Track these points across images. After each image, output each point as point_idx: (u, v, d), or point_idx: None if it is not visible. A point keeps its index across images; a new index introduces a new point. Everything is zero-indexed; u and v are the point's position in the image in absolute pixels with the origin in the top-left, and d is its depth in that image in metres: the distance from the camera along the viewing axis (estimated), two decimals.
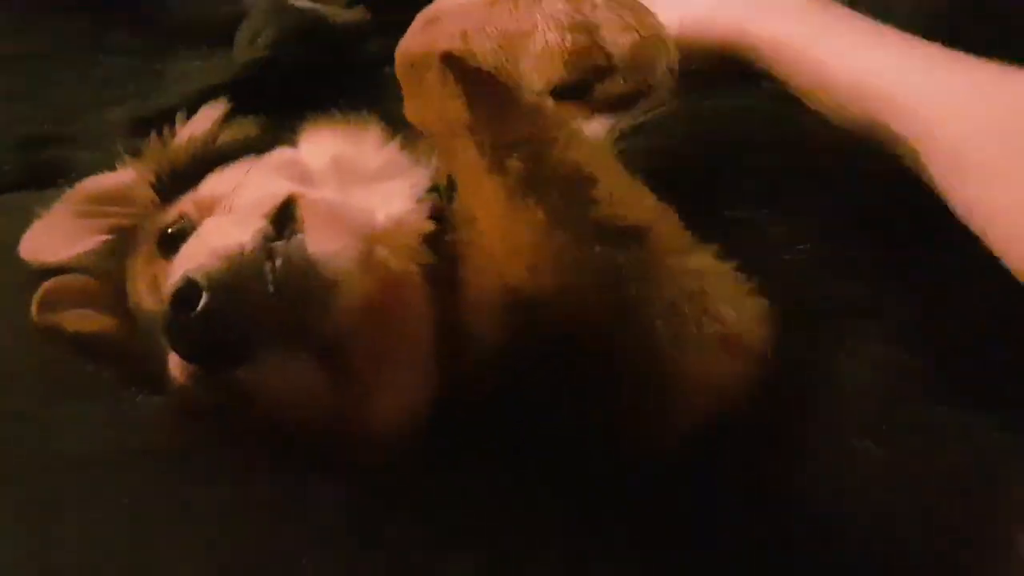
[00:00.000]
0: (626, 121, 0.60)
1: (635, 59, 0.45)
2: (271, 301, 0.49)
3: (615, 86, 0.45)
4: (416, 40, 0.53)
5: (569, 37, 0.45)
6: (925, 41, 0.59)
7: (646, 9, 0.46)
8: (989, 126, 0.53)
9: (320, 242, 0.52)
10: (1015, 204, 0.50)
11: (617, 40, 0.45)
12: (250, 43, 1.14)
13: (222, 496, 0.58)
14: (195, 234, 0.54)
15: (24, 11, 1.30)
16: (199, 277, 0.47)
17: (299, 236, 0.52)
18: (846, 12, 0.63)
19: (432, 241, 0.60)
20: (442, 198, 0.63)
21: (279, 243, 0.51)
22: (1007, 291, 0.51)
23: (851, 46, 0.60)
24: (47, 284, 0.67)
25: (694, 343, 0.52)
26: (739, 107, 0.61)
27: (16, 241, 0.72)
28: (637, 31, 0.45)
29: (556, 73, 0.46)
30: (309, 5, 1.39)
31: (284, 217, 0.54)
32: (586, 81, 0.45)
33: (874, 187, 0.57)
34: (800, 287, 0.53)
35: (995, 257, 0.51)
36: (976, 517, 0.48)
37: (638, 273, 0.51)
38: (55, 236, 0.71)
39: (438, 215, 0.62)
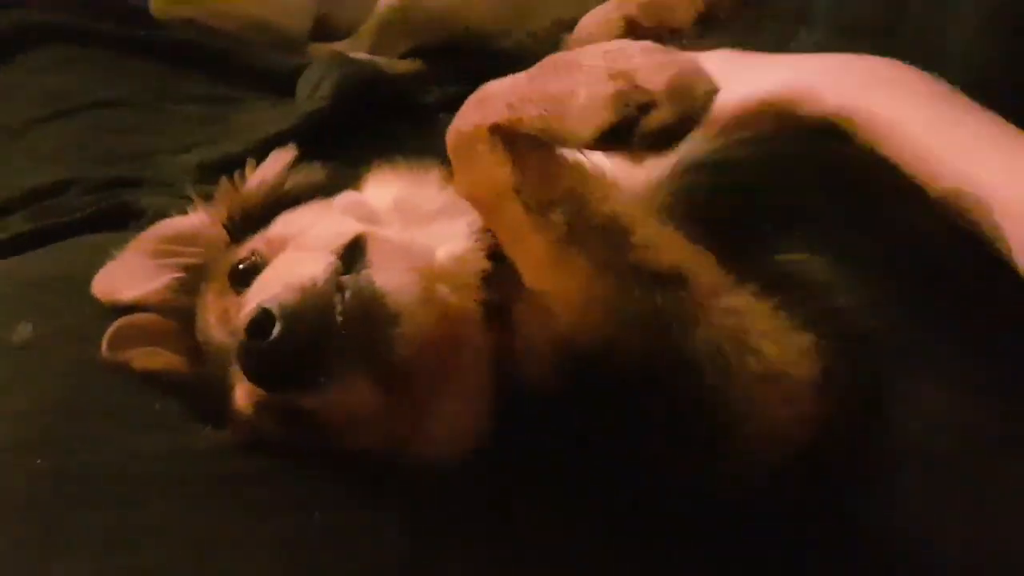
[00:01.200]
0: (666, 170, 0.62)
1: (674, 89, 0.49)
2: (340, 331, 0.51)
3: (659, 117, 0.49)
4: (467, 119, 0.58)
5: (610, 84, 0.50)
6: None
7: (677, 51, 0.50)
8: None
9: (386, 277, 0.54)
10: None
11: (654, 78, 0.49)
12: (312, 93, 1.20)
13: (284, 526, 0.60)
14: (268, 268, 0.57)
15: (101, 62, 1.38)
16: (274, 307, 0.49)
17: (367, 271, 0.54)
18: (967, 103, 0.58)
19: (489, 279, 0.63)
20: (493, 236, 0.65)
21: (348, 277, 0.53)
22: None
23: (963, 146, 0.56)
24: (118, 322, 0.70)
25: (738, 379, 0.53)
26: (781, 152, 0.62)
27: (88, 279, 0.75)
28: (672, 67, 0.49)
29: (601, 117, 0.50)
30: (367, 57, 1.45)
31: (352, 253, 0.57)
32: (630, 121, 0.49)
33: (933, 235, 0.57)
34: (845, 329, 0.54)
35: None
36: None
37: (678, 314, 0.54)
38: (127, 275, 0.75)
39: (494, 254, 0.64)
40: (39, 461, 0.61)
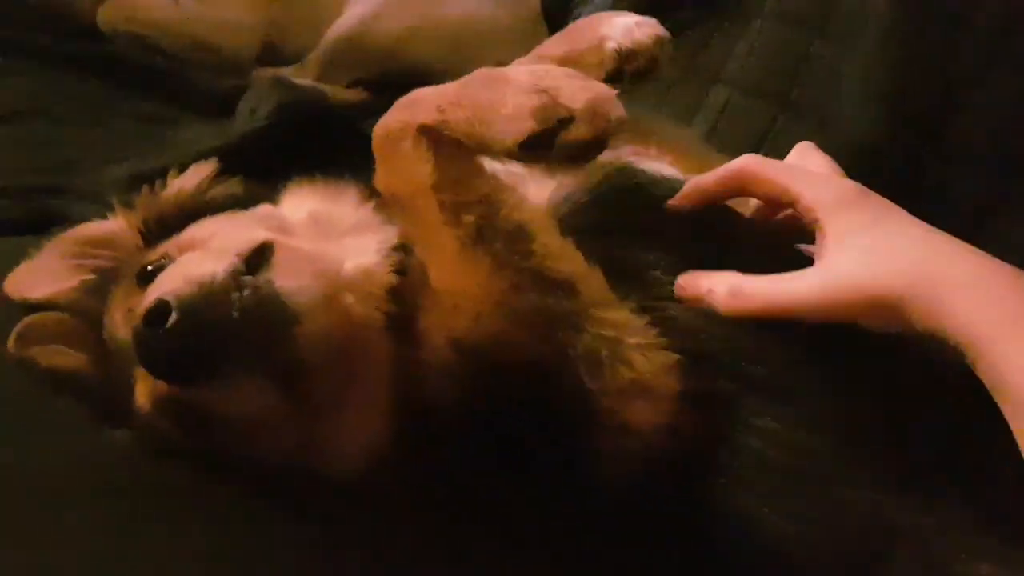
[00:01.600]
0: (566, 194, 0.66)
1: (591, 109, 0.55)
2: (236, 326, 0.53)
3: (576, 133, 0.55)
4: (395, 117, 0.62)
5: (535, 97, 0.55)
6: None
7: (593, 80, 0.57)
8: None
9: (287, 279, 0.56)
10: None
11: (575, 97, 0.55)
12: (251, 114, 1.21)
13: (186, 536, 0.61)
14: (172, 266, 0.58)
15: (37, 75, 1.39)
16: (171, 298, 0.51)
17: (268, 273, 0.56)
18: None
19: (395, 292, 0.65)
20: (407, 255, 0.67)
21: (248, 277, 0.55)
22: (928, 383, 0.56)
23: None
24: (26, 319, 0.70)
25: (610, 385, 0.57)
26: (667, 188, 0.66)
27: (2, 278, 0.76)
28: (591, 91, 0.56)
29: (524, 126, 0.55)
30: (310, 84, 1.48)
31: (258, 259, 0.58)
32: (550, 133, 0.55)
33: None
34: (706, 351, 0.58)
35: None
36: None
37: (565, 319, 0.58)
38: (40, 275, 0.75)
39: (402, 270, 0.66)
40: None
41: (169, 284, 0.53)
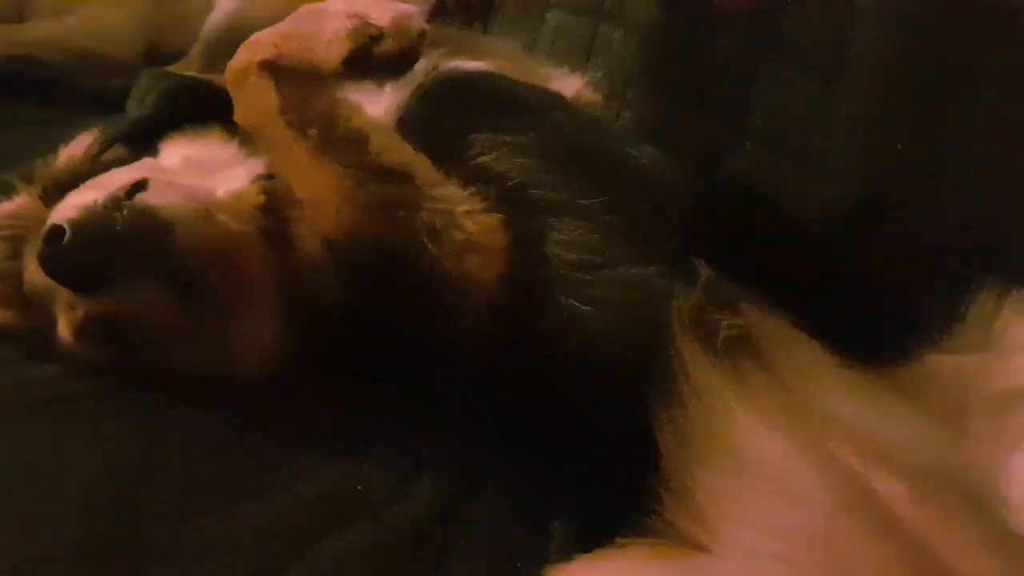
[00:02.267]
0: (396, 101, 0.79)
1: (396, 25, 0.68)
2: (120, 236, 0.64)
3: (386, 47, 0.68)
4: (240, 57, 0.74)
5: (348, 21, 0.69)
6: None
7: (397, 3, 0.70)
8: None
9: (160, 199, 0.68)
10: None
11: (381, 17, 0.68)
12: (139, 105, 1.31)
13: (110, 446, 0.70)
14: (64, 201, 0.69)
15: None
16: (63, 222, 0.62)
17: (144, 197, 0.68)
18: None
19: (266, 209, 0.77)
20: (273, 179, 0.80)
21: (127, 201, 0.67)
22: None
23: None
24: None
25: (448, 247, 0.70)
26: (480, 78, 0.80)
27: None
28: (394, 10, 0.69)
29: (343, 47, 0.68)
30: (194, 75, 1.57)
31: (135, 191, 0.70)
32: (365, 50, 0.68)
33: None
34: (520, 204, 0.72)
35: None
36: (653, 333, 0.64)
37: (405, 200, 0.71)
38: None
39: (270, 192, 0.78)
40: None
41: (62, 213, 0.65)
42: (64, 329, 0.73)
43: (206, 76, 1.56)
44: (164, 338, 0.72)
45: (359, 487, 0.66)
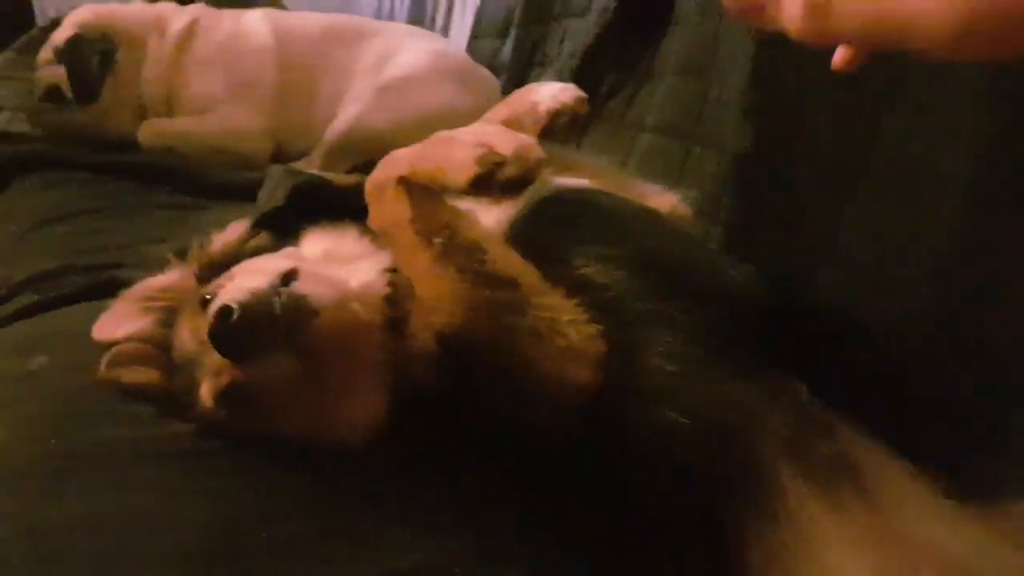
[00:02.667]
0: (509, 216, 0.90)
1: (519, 155, 0.77)
2: (277, 319, 0.74)
3: (508, 172, 0.77)
4: (380, 172, 0.87)
5: (476, 149, 0.78)
6: None
7: (521, 134, 0.80)
8: None
9: (311, 288, 0.78)
10: None
11: (505, 146, 0.78)
12: (270, 197, 1.46)
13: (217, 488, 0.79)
14: (227, 284, 0.80)
15: (79, 182, 1.65)
16: (232, 303, 0.72)
17: (296, 285, 0.78)
18: None
19: (389, 300, 0.87)
20: (397, 273, 0.90)
21: (283, 288, 0.77)
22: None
23: None
24: (114, 348, 0.91)
25: (550, 352, 0.77)
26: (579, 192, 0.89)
27: (87, 330, 0.96)
28: (517, 141, 0.78)
29: (471, 171, 0.78)
30: (316, 172, 1.74)
31: (287, 279, 0.80)
32: (490, 174, 0.77)
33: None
34: (620, 314, 0.79)
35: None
36: (746, 451, 0.69)
37: (512, 306, 0.79)
38: (118, 320, 0.97)
39: (394, 284, 0.88)
40: (52, 442, 0.82)
41: (229, 295, 0.75)
42: (207, 393, 0.82)
43: (327, 174, 1.74)
44: (290, 407, 0.80)
45: (456, 569, 0.73)
